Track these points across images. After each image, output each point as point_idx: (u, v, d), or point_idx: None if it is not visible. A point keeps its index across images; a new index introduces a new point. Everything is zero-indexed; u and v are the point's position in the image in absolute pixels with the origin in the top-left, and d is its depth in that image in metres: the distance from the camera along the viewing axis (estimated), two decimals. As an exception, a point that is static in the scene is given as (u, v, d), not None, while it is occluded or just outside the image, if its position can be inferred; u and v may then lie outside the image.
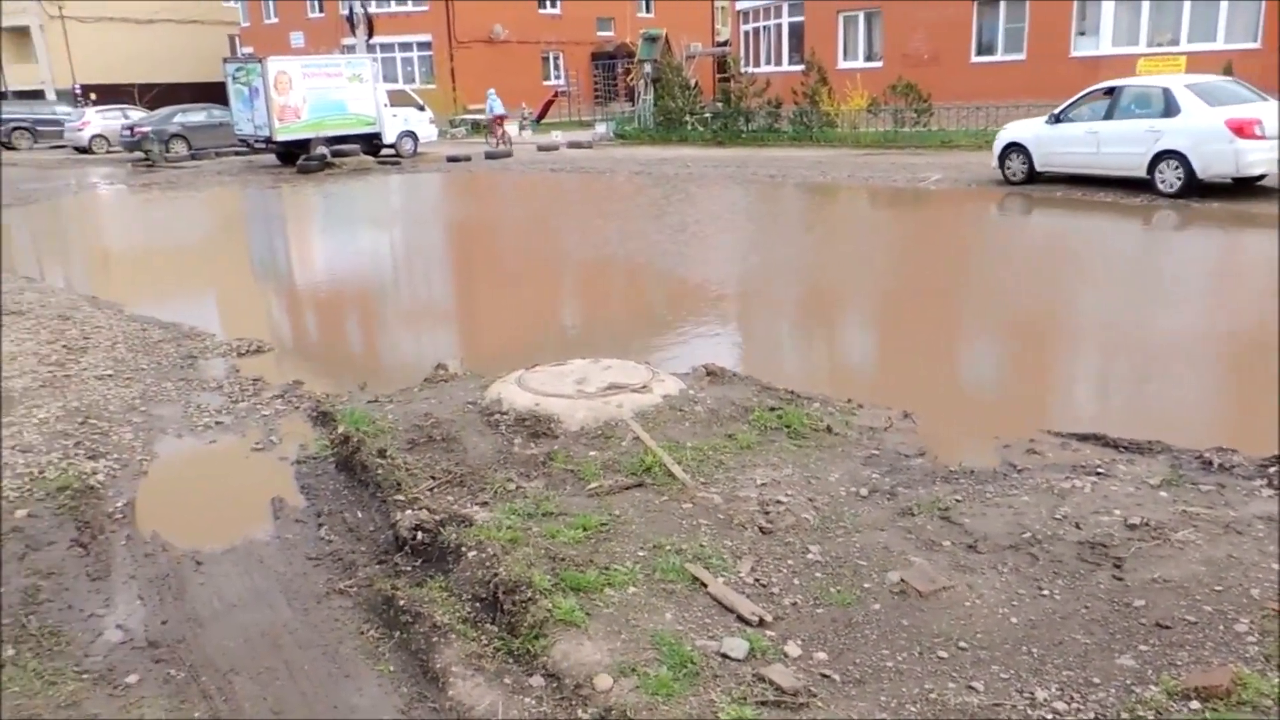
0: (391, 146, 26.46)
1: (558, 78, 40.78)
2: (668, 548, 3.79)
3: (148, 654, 3.41)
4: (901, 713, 2.83)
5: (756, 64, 29.61)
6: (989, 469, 4.64)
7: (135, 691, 3.17)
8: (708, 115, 28.06)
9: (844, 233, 13.77)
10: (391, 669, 3.26)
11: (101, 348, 7.52)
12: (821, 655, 3.12)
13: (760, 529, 3.97)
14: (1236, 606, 3.25)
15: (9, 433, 5.56)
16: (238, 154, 28.10)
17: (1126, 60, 20.56)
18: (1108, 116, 14.05)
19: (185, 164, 27.44)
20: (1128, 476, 4.41)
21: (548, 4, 40.63)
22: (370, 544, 4.19)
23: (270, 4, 43.13)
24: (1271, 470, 4.35)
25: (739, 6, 31.41)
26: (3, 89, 46.92)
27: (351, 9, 31.10)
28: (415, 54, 38.08)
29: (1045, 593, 3.44)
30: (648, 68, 30.00)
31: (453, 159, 25.18)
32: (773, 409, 5.38)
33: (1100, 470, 4.50)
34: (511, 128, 32.57)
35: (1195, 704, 2.76)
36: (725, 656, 3.07)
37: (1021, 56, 23.22)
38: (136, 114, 33.10)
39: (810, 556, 3.76)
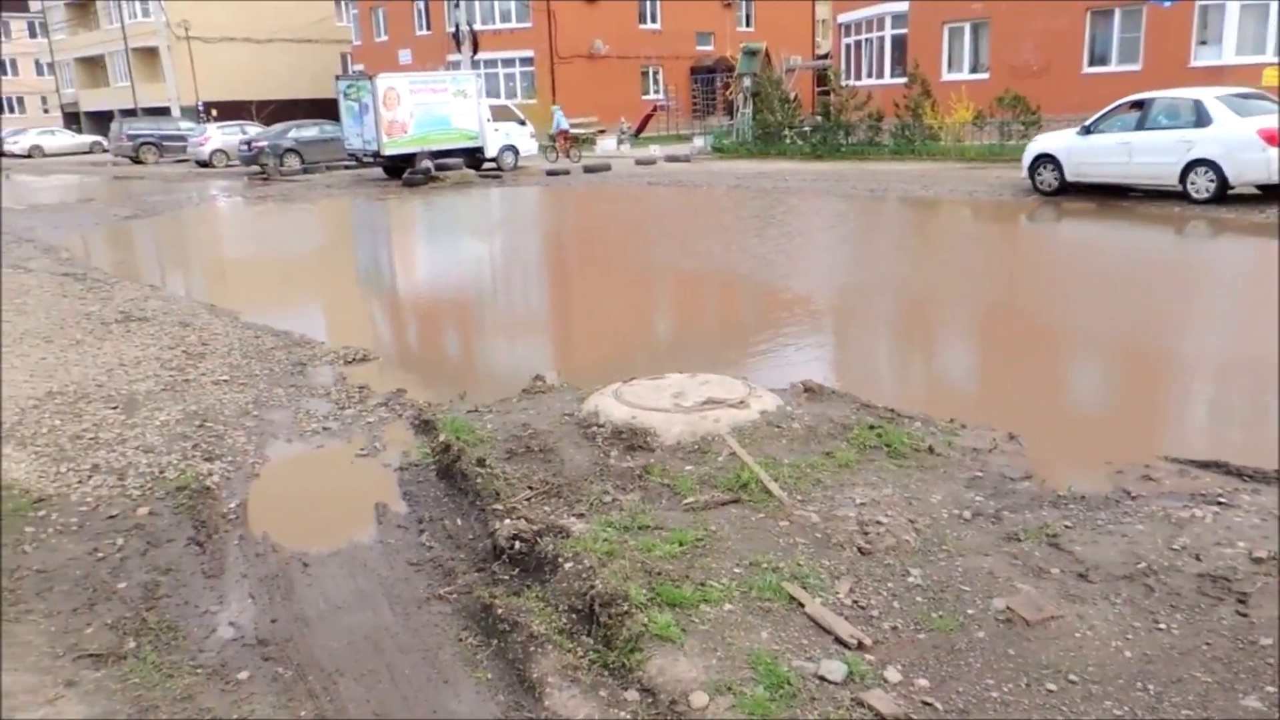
0: (493, 160, 27.02)
1: (656, 92, 41.05)
2: (764, 565, 3.75)
3: (258, 651, 3.53)
4: (1007, 746, 2.74)
5: (858, 77, 29.26)
6: (1100, 495, 4.46)
7: (246, 688, 3.28)
8: (806, 129, 27.84)
9: (945, 247, 13.47)
10: (489, 676, 3.30)
11: (218, 354, 7.85)
12: (923, 682, 3.03)
13: (859, 549, 3.90)
14: (1375, 650, 3.05)
15: (134, 433, 5.84)
16: (347, 168, 29.07)
17: (1251, 70, 19.62)
18: (1139, 128, 14.73)
19: (298, 177, 28.53)
20: (1252, 507, 4.19)
21: (648, 19, 40.96)
22: (469, 551, 4.26)
23: (380, 22, 44.55)
24: None
25: (840, 19, 31.14)
26: (134, 106, 49.64)
27: (458, 27, 31.89)
28: (517, 70, 38.83)
29: (1162, 627, 3.28)
30: (747, 81, 29.95)
31: (552, 173, 25.57)
32: (872, 427, 5.28)
33: (1222, 500, 4.28)
34: (610, 142, 32.94)
35: (1329, 753, 2.60)
36: (823, 679, 3.02)
37: (1137, 67, 22.36)
38: (254, 130, 34.61)
39: (911, 579, 3.67)
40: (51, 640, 3.57)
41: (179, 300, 10.50)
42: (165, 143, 39.74)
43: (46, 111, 69.55)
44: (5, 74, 74.40)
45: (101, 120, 52.78)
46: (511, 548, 4.01)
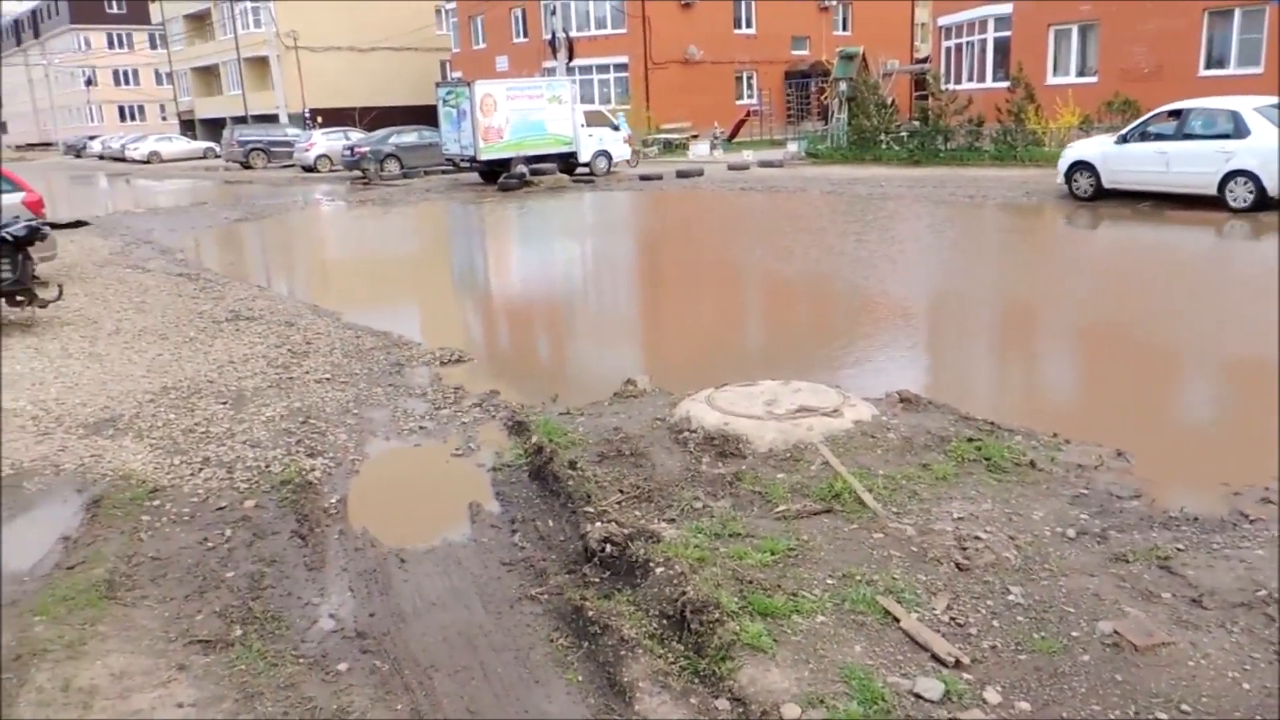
0: (586, 165, 27.27)
1: (750, 96, 40.86)
2: (858, 578, 3.69)
3: (356, 644, 3.62)
4: (1114, 776, 2.63)
5: (958, 81, 28.60)
6: (1216, 517, 4.26)
7: (345, 679, 3.37)
8: (904, 134, 27.34)
9: (1046, 255, 13.06)
10: (580, 678, 3.32)
11: (321, 353, 8.10)
12: (1024, 705, 2.94)
13: (957, 565, 3.80)
14: None
15: (241, 428, 6.07)
16: (444, 172, 29.70)
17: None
18: (1176, 137, 14.98)
19: (397, 181, 29.27)
20: (1384, 535, 3.94)
21: (743, 24, 40.78)
22: (560, 553, 4.30)
23: (479, 30, 45.41)
24: None
25: (941, 22, 30.49)
26: (245, 114, 51.69)
27: (554, 34, 32.31)
28: (612, 75, 39.10)
29: (1284, 658, 3.12)
30: (843, 86, 29.55)
31: (645, 177, 25.66)
32: (971, 440, 5.15)
33: (1350, 526, 4.04)
34: (702, 147, 32.90)
35: None
36: (919, 697, 2.95)
37: (1259, 70, 21.28)
38: (356, 135, 35.62)
39: (1011, 598, 3.56)
40: (165, 625, 3.72)
41: (284, 300, 10.87)
42: (273, 148, 41.25)
43: (164, 119, 73.01)
44: (128, 83, 78.49)
45: (214, 127, 55.15)
46: (603, 550, 4.03)
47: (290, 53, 48.65)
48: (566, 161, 26.75)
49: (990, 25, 27.57)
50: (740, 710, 2.97)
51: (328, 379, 7.26)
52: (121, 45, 77.48)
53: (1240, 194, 14.03)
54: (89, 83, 74.63)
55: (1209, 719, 2.84)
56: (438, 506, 5.05)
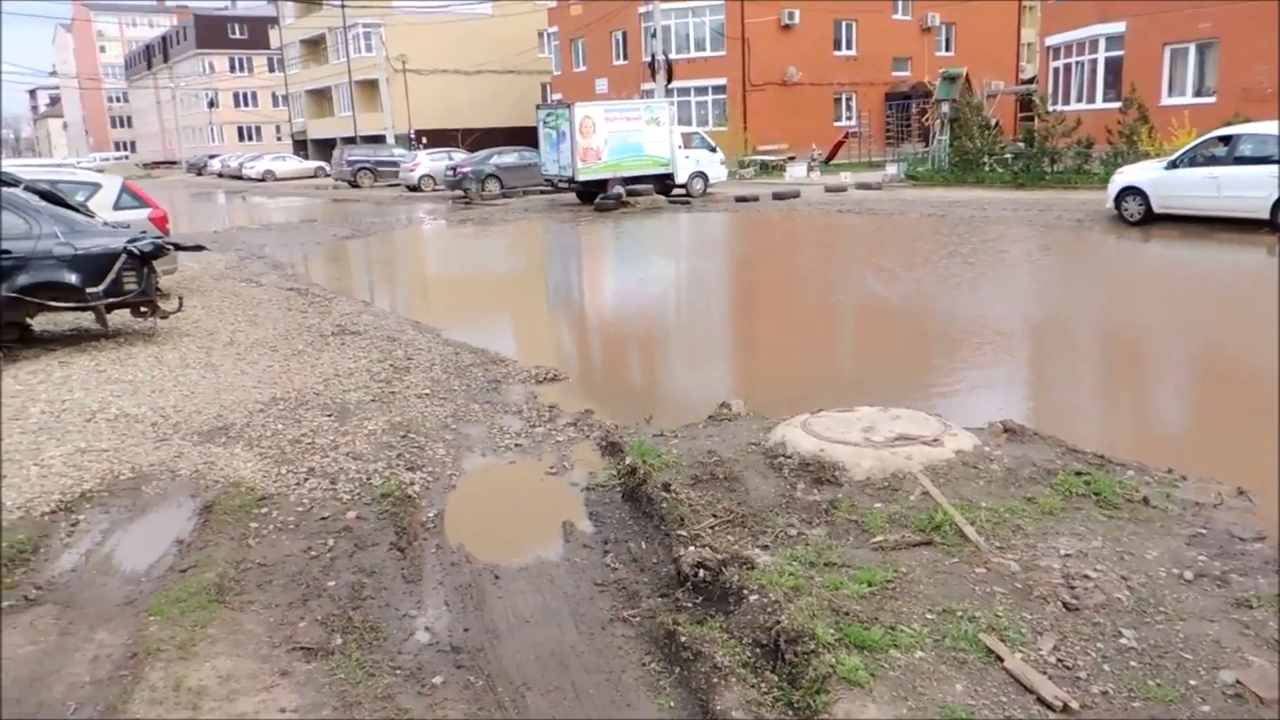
0: (683, 186, 27.37)
1: (849, 118, 40.48)
2: (959, 613, 3.57)
3: (451, 658, 3.67)
4: (1236, 838, 2.48)
5: (1065, 102, 27.80)
6: (1349, 564, 4.00)
7: (440, 692, 3.42)
8: (1008, 156, 26.67)
9: (1158, 281, 12.54)
10: (671, 704, 3.30)
11: (421, 368, 8.29)
12: (1137, 756, 2.80)
13: (1064, 604, 3.66)
14: None
15: (345, 440, 6.24)
16: (542, 192, 30.18)
17: None
18: (1227, 162, 15.24)
19: (497, 201, 29.88)
20: None
21: (843, 45, 40.49)
22: (653, 576, 4.29)
23: (580, 53, 46.14)
24: None
25: (1048, 42, 29.72)
26: (354, 135, 53.56)
27: (654, 56, 32.61)
28: (710, 97, 39.22)
29: None
30: (945, 107, 29.05)
31: (741, 199, 25.62)
32: (1079, 473, 4.96)
33: None
34: (799, 168, 32.70)
35: None
36: (1023, 742, 2.84)
37: (1393, 87, 20.19)
38: (459, 155, 36.54)
39: (1123, 641, 3.40)
40: (270, 630, 3.84)
41: (387, 316, 11.17)
42: (380, 168, 42.63)
43: (279, 139, 76.29)
44: (247, 105, 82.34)
45: (325, 147, 57.30)
46: (696, 575, 4.00)
47: (398, 75, 50.27)
48: (663, 182, 26.90)
49: (1101, 44, 26.77)
50: (835, 745, 2.91)
51: (427, 394, 7.42)
52: (242, 69, 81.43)
53: None
54: (211, 104, 78.63)
55: (1343, 782, 2.66)
56: (531, 524, 5.09)
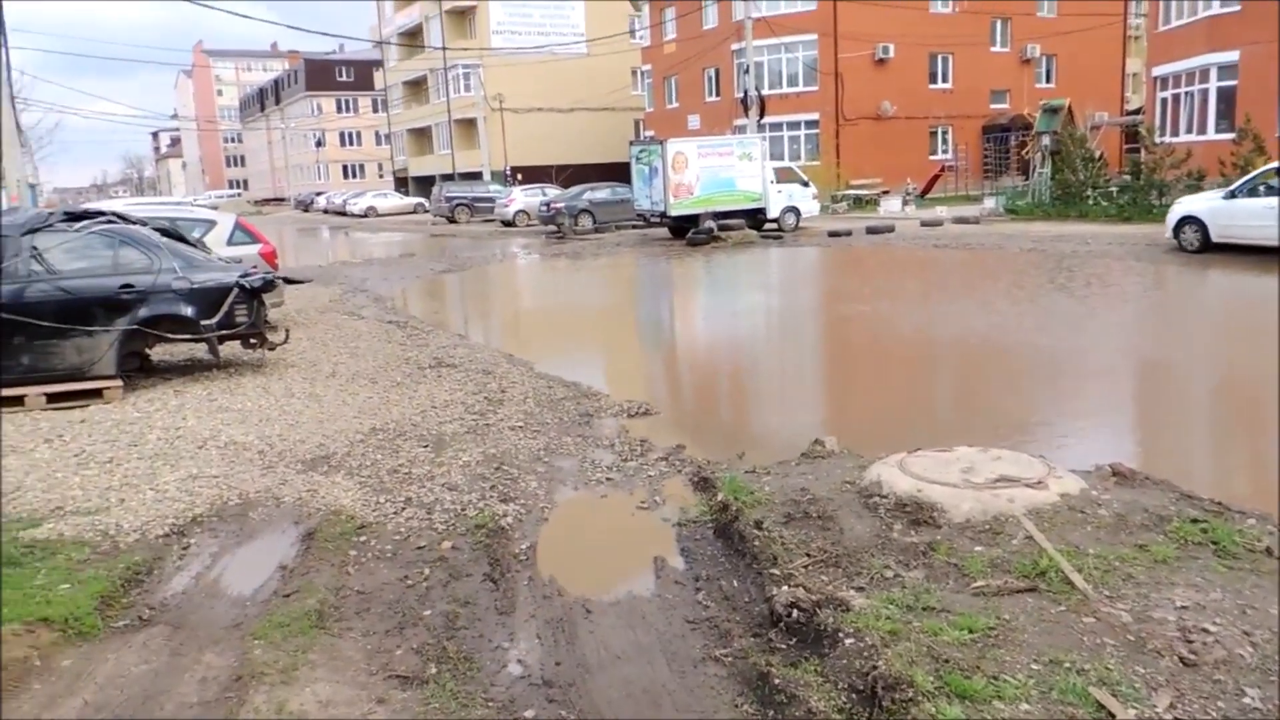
0: (775, 221, 27.31)
1: (945, 151, 39.89)
2: (1066, 665, 3.42)
3: (542, 692, 3.68)
4: None
5: (1174, 133, 26.89)
6: None
7: (531, 726, 3.43)
8: (1113, 189, 25.89)
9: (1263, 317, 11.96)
10: (764, 748, 3.24)
11: (514, 401, 8.41)
12: (1264, 826, 2.63)
13: (1181, 659, 3.47)
14: None
15: (440, 471, 6.36)
16: (634, 227, 30.50)
17: None
18: None
19: (590, 236, 30.27)
20: None
21: (939, 79, 40.00)
22: (745, 615, 4.24)
23: (673, 90, 46.64)
24: None
25: (1155, 72, 28.85)
26: (452, 172, 55.12)
27: (746, 92, 32.74)
28: (802, 132, 39.15)
29: None
30: (1045, 140, 28.40)
31: (833, 234, 25.42)
32: (1195, 521, 4.72)
33: None
34: (893, 202, 32.32)
35: None
36: (1138, 804, 2.69)
37: None
38: (552, 191, 37.23)
39: (1247, 700, 3.21)
40: (367, 657, 3.92)
41: (482, 349, 11.38)
42: (476, 204, 43.74)
43: (381, 176, 79.05)
44: (351, 144, 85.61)
45: (424, 184, 59.09)
46: (789, 616, 3.94)
47: (495, 114, 51.59)
48: (755, 217, 26.90)
49: (1213, 74, 25.86)
50: (935, 799, 2.81)
51: (520, 427, 7.52)
52: (348, 110, 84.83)
53: None
54: (319, 144, 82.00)
55: None
56: (623, 559, 5.09)
